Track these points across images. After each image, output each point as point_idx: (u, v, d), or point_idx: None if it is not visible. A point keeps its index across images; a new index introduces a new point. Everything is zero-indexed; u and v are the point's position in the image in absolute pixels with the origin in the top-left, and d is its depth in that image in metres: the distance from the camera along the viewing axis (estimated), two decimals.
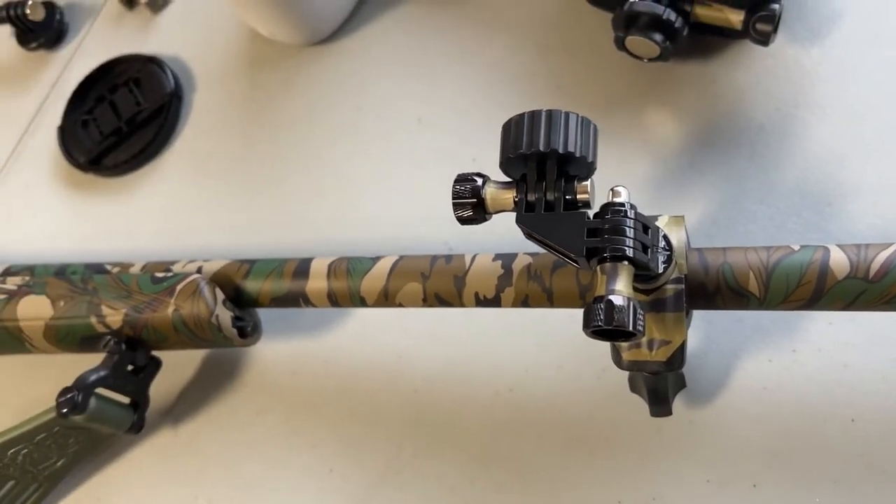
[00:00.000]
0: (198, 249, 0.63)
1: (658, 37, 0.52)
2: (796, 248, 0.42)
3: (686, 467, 0.47)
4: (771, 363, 0.48)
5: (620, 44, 0.54)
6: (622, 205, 0.39)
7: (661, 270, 0.41)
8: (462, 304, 0.48)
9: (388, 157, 0.61)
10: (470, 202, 0.42)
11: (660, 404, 0.45)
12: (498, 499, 0.50)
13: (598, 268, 0.39)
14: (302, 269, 0.52)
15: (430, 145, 0.60)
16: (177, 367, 0.60)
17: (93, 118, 0.69)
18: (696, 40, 0.55)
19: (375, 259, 0.50)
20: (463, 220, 0.43)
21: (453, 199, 0.43)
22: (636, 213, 0.40)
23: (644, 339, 0.42)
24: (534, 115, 0.41)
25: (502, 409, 0.52)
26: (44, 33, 0.79)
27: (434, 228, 0.58)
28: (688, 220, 0.52)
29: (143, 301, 0.52)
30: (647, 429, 0.48)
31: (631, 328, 0.37)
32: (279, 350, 0.58)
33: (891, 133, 0.50)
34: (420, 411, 0.53)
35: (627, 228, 0.39)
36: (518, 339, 0.53)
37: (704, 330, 0.50)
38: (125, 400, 0.55)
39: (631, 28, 0.52)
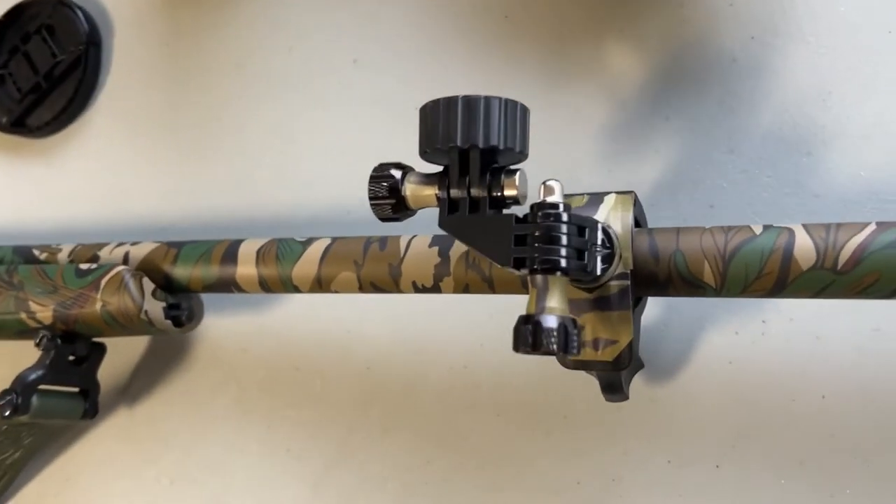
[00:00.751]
0: (134, 216, 0.59)
1: None
2: (758, 230, 0.37)
3: (646, 447, 0.45)
4: (738, 335, 0.44)
5: None
6: (555, 206, 0.35)
7: (599, 273, 0.36)
8: (400, 292, 0.44)
9: (324, 106, 0.55)
10: (388, 202, 0.38)
11: (614, 392, 0.42)
12: (456, 478, 0.48)
13: (528, 279, 0.35)
14: (230, 253, 0.48)
15: (367, 92, 0.54)
16: (128, 344, 0.58)
17: (8, 73, 0.63)
18: None
19: (306, 243, 0.46)
20: (384, 220, 0.39)
21: (370, 198, 0.38)
22: (570, 213, 0.35)
23: (589, 338, 0.39)
24: (449, 104, 0.35)
25: (458, 387, 0.49)
26: None
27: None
28: (649, 175, 0.47)
29: (69, 297, 0.49)
30: (606, 406, 0.45)
31: (563, 352, 0.33)
32: (227, 326, 0.56)
33: (886, 64, 0.43)
34: (373, 389, 0.51)
35: (560, 235, 0.34)
36: (472, 310, 0.49)
37: (665, 298, 0.46)
38: (74, 389, 0.53)
39: None
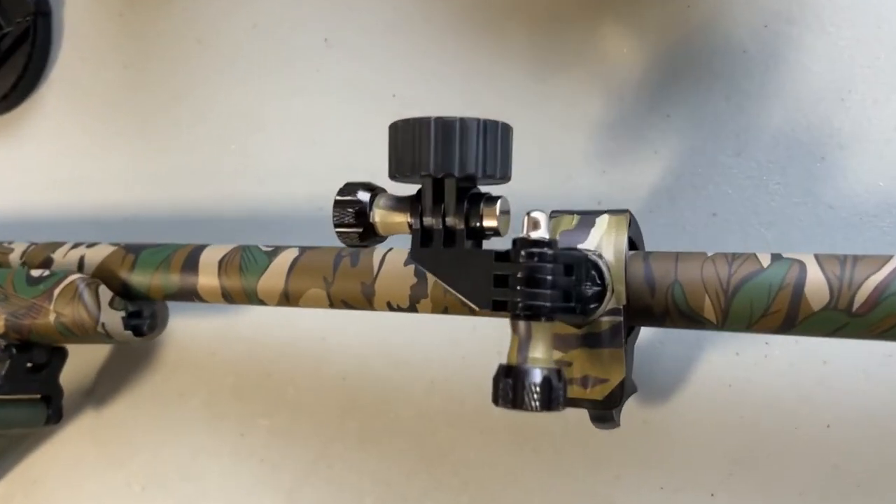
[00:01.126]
0: (91, 207, 0.55)
1: None
2: (765, 261, 0.33)
3: (639, 472, 0.42)
4: (739, 357, 0.41)
5: None
6: (540, 242, 0.31)
7: (589, 312, 0.33)
8: (374, 310, 0.41)
9: (293, 90, 0.50)
10: (355, 230, 0.34)
11: (604, 421, 0.39)
12: (437, 495, 0.46)
13: (510, 322, 0.31)
14: (191, 261, 0.44)
15: (340, 75, 0.49)
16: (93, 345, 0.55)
17: None
18: None
19: (272, 253, 0.43)
20: (353, 247, 0.35)
21: (334, 224, 0.34)
22: (557, 250, 0.31)
23: (577, 376, 0.36)
24: (420, 127, 0.31)
25: (439, 400, 0.46)
26: None
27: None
28: (647, 178, 0.43)
29: (21, 307, 0.46)
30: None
31: (545, 410, 0.30)
32: (195, 327, 0.52)
33: None
34: (349, 401, 0.48)
35: (545, 278, 0.30)
36: (454, 321, 0.46)
37: None
38: (35, 395, 0.50)
39: None
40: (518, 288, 0.31)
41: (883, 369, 0.38)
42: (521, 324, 0.31)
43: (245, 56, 0.52)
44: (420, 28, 0.48)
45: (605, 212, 0.36)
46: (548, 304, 0.30)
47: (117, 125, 0.56)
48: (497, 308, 0.31)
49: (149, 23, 0.54)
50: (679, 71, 0.42)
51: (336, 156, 0.49)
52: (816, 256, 0.33)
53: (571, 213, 0.36)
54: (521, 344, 0.31)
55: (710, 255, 0.34)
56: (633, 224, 0.37)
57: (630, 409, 0.42)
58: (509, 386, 0.30)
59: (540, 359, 0.31)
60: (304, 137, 0.50)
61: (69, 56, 0.57)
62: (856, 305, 0.31)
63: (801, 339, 0.40)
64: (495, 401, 0.31)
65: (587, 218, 0.36)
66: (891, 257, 0.32)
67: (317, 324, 0.49)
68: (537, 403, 0.30)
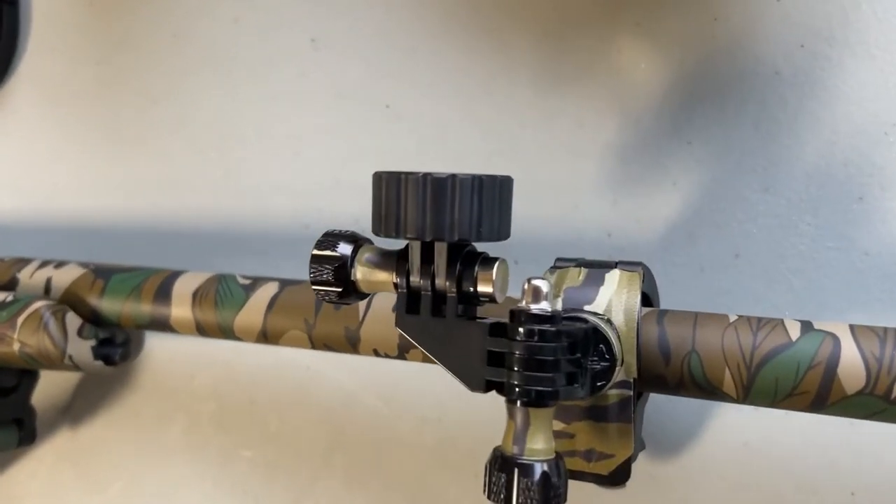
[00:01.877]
0: (60, 214, 0.52)
1: None
2: (794, 332, 0.30)
3: None
4: (757, 412, 0.37)
5: None
6: (542, 318, 0.27)
7: (595, 390, 0.29)
8: (359, 354, 0.37)
9: (276, 96, 0.46)
10: (334, 290, 0.30)
11: (608, 485, 0.36)
12: None
13: (506, 405, 0.28)
14: (164, 290, 0.41)
15: (328, 80, 0.45)
16: None
17: None
18: None
19: (250, 287, 0.39)
20: (332, 303, 0.31)
21: (311, 281, 0.30)
22: (560, 325, 0.27)
23: (581, 448, 0.32)
24: (407, 184, 0.27)
25: (431, 439, 0.43)
26: None
27: (339, 200, 0.45)
28: (663, 210, 0.39)
29: None
30: None
31: None
32: (173, 348, 0.49)
33: None
34: (335, 436, 0.45)
35: (547, 359, 0.27)
36: None
37: None
38: (7, 418, 0.48)
39: None
40: (515, 369, 0.27)
41: None
42: (519, 410, 0.28)
43: (225, 54, 0.47)
44: (415, 31, 0.43)
45: (615, 265, 0.32)
46: (549, 389, 0.27)
47: (89, 127, 0.52)
48: (490, 389, 0.28)
49: (122, 13, 0.50)
50: (703, 92, 0.38)
51: (322, 169, 0.45)
52: (852, 329, 0.29)
53: (578, 264, 0.33)
54: (519, 432, 0.28)
55: (732, 319, 0.31)
56: (647, 278, 0.33)
57: (638, 463, 0.39)
58: (503, 482, 0.27)
59: (539, 450, 0.27)
60: (288, 148, 0.46)
61: (38, 49, 0.52)
62: (895, 392, 0.28)
63: None
64: (488, 496, 0.28)
65: (596, 273, 0.32)
66: None
67: (302, 352, 0.46)
68: (534, 503, 0.27)
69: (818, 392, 0.29)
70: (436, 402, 0.43)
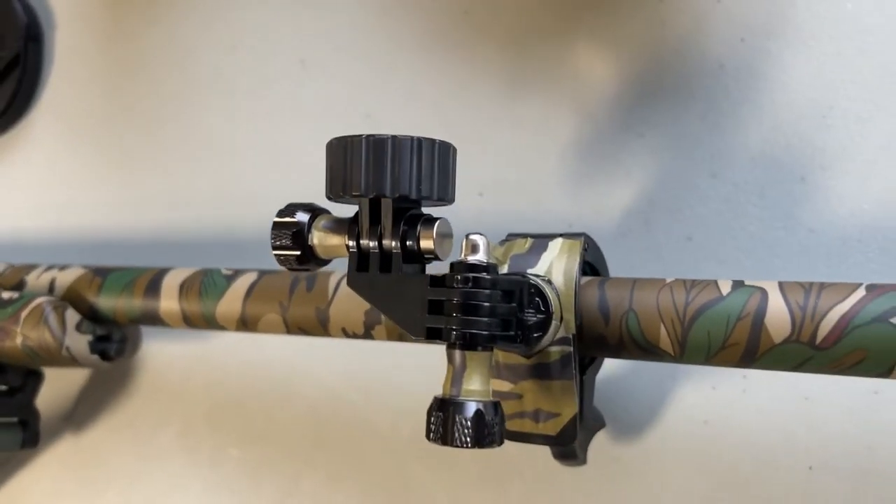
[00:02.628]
0: (77, 230, 0.55)
1: None
2: (725, 288, 0.31)
3: None
4: (715, 391, 0.38)
5: None
6: (477, 266, 0.29)
7: (531, 341, 0.31)
8: (330, 336, 0.39)
9: (270, 112, 0.50)
10: (292, 253, 0.32)
11: (567, 458, 0.37)
12: None
13: (446, 352, 0.30)
14: (154, 285, 0.43)
15: (316, 96, 0.49)
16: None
17: None
18: None
19: (232, 277, 0.42)
20: (292, 271, 0.34)
21: (272, 247, 0.33)
22: (496, 275, 0.29)
23: (529, 409, 0.34)
24: (352, 145, 0.30)
25: (409, 435, 0.44)
26: None
27: (330, 205, 0.47)
28: (620, 200, 0.41)
29: None
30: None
31: (477, 446, 0.28)
32: (169, 352, 0.52)
33: None
34: (318, 433, 0.47)
35: (482, 304, 0.29)
36: (423, 347, 0.44)
37: None
38: (11, 419, 0.50)
39: None
40: (453, 315, 0.29)
41: (868, 407, 0.36)
42: (457, 353, 0.29)
43: (224, 79, 0.51)
44: (393, 49, 0.47)
45: (559, 235, 0.34)
46: (484, 333, 0.29)
47: (101, 150, 0.56)
48: (431, 336, 0.30)
49: (134, 47, 0.54)
50: (653, 89, 0.41)
51: (313, 179, 0.48)
52: (780, 284, 0.31)
53: (525, 236, 0.35)
54: (456, 375, 0.29)
55: (668, 281, 0.32)
56: (591, 248, 0.35)
57: (601, 445, 0.40)
58: (440, 420, 0.29)
59: (475, 391, 0.29)
60: (282, 159, 0.49)
61: (59, 81, 0.57)
62: (819, 338, 0.29)
63: (781, 373, 0.37)
64: (427, 436, 0.29)
65: (540, 242, 0.34)
66: (858, 286, 0.29)
67: (286, 351, 0.48)
68: (468, 439, 0.28)
69: (748, 343, 0.30)
70: (411, 396, 0.45)
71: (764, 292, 0.30)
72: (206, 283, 0.42)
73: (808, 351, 0.29)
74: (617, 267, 0.38)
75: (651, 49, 0.41)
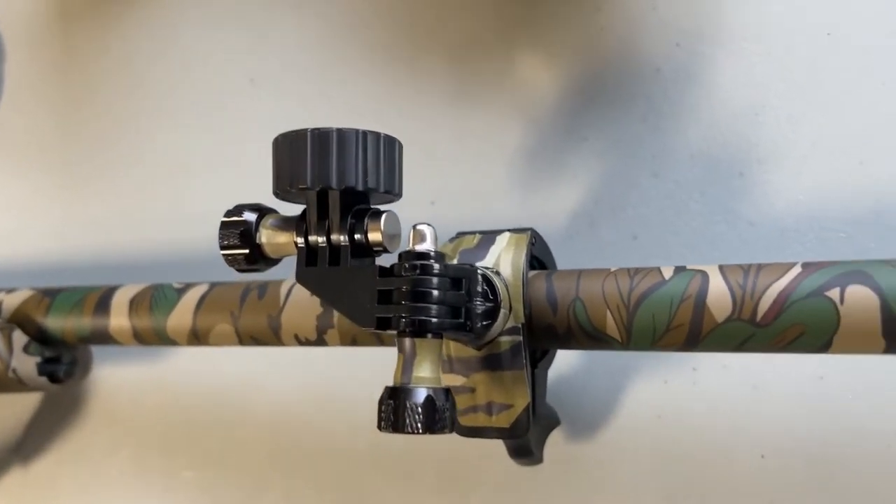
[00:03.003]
0: (27, 255, 0.54)
1: None
2: (668, 273, 0.32)
3: None
4: (667, 385, 0.39)
5: None
6: (425, 255, 0.29)
7: (481, 330, 0.31)
8: (283, 345, 0.39)
9: (220, 131, 0.50)
10: (241, 252, 0.32)
11: (523, 456, 0.37)
12: None
13: (396, 342, 0.30)
14: (103, 302, 0.43)
15: (266, 115, 0.49)
16: (20, 395, 0.53)
17: None
18: None
19: (182, 290, 0.41)
20: (241, 272, 0.34)
21: (220, 247, 0.33)
22: (443, 263, 0.30)
23: (482, 402, 0.34)
24: (298, 139, 0.30)
25: (366, 447, 0.44)
26: None
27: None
28: (567, 203, 0.42)
29: None
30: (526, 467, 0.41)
31: (428, 432, 0.28)
32: (121, 374, 0.51)
33: (826, 72, 0.38)
34: (273, 451, 0.46)
35: (431, 290, 0.29)
36: (377, 357, 0.44)
37: None
38: None
39: None
40: (402, 303, 0.29)
41: (815, 393, 0.36)
42: (406, 341, 0.29)
43: (174, 99, 0.52)
44: (341, 67, 0.48)
45: (507, 230, 0.35)
46: (433, 320, 0.29)
47: (53, 175, 0.55)
48: (381, 326, 0.30)
49: (84, 75, 0.54)
50: (594, 94, 0.42)
51: (262, 196, 0.48)
52: (720, 267, 0.31)
53: (474, 233, 0.35)
54: (406, 363, 0.29)
55: (613, 270, 0.33)
56: (538, 243, 0.36)
57: (556, 443, 0.40)
58: (391, 408, 0.29)
59: (426, 378, 0.29)
60: (229, 178, 0.49)
61: (8, 111, 0.57)
62: (759, 315, 0.30)
63: (728, 364, 0.38)
64: (379, 425, 0.29)
65: (488, 236, 0.35)
66: (794, 264, 0.30)
67: (240, 369, 0.47)
68: (419, 425, 0.28)
69: (692, 324, 0.31)
70: (367, 406, 0.44)
71: (705, 274, 0.31)
72: (157, 297, 0.42)
73: (750, 328, 0.30)
74: (565, 267, 0.38)
75: (591, 55, 0.42)
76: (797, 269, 0.30)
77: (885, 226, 0.35)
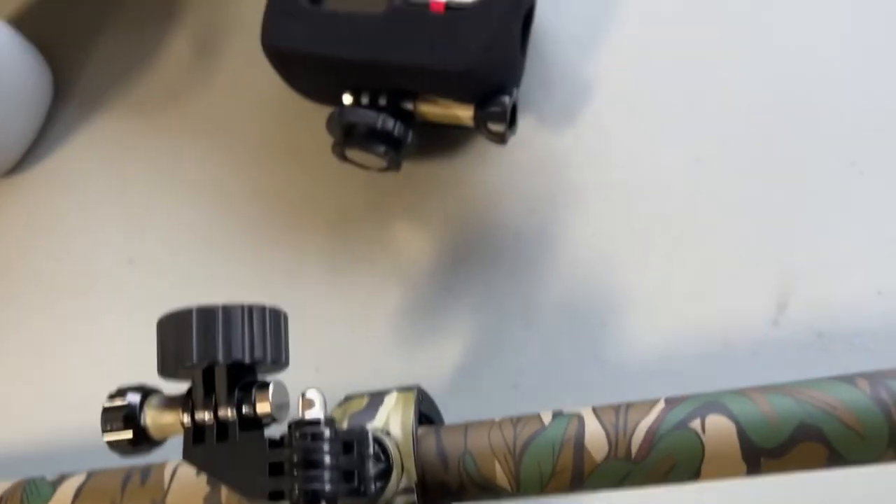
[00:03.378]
0: None
1: (380, 148, 0.43)
2: (547, 419, 0.34)
3: None
4: None
5: (342, 155, 0.44)
6: (314, 422, 0.30)
7: (374, 492, 0.32)
8: None
9: (97, 314, 0.49)
10: (125, 437, 0.32)
11: None
12: None
13: None
14: None
15: (143, 295, 0.49)
16: None
17: None
18: (436, 134, 0.46)
19: (57, 481, 0.39)
20: (125, 456, 0.33)
21: (103, 431, 0.32)
22: (334, 428, 0.30)
23: None
24: (182, 318, 0.31)
25: None
26: None
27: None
28: (450, 358, 0.44)
29: None
30: None
31: None
32: None
33: (661, 220, 0.43)
34: None
35: (322, 458, 0.29)
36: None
37: None
38: None
39: (348, 139, 0.43)
40: (294, 473, 0.29)
41: None
42: None
43: (48, 283, 0.51)
44: (221, 243, 0.49)
45: (394, 389, 0.36)
46: (327, 487, 0.29)
47: None
48: (273, 498, 0.30)
49: None
50: (464, 256, 0.45)
51: (139, 377, 0.47)
52: (594, 409, 0.34)
53: (362, 395, 0.36)
54: None
55: (497, 420, 0.35)
56: (425, 399, 0.37)
57: None
58: None
59: None
60: (105, 361, 0.48)
61: None
62: (634, 451, 0.32)
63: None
64: None
65: (376, 397, 0.36)
66: (658, 400, 0.33)
67: None
68: None
69: (574, 466, 0.32)
70: None
71: (580, 417, 0.33)
72: (29, 493, 0.39)
73: (627, 465, 0.32)
74: (452, 419, 0.40)
75: (458, 223, 0.46)
76: (661, 405, 0.33)
77: (731, 360, 0.39)
